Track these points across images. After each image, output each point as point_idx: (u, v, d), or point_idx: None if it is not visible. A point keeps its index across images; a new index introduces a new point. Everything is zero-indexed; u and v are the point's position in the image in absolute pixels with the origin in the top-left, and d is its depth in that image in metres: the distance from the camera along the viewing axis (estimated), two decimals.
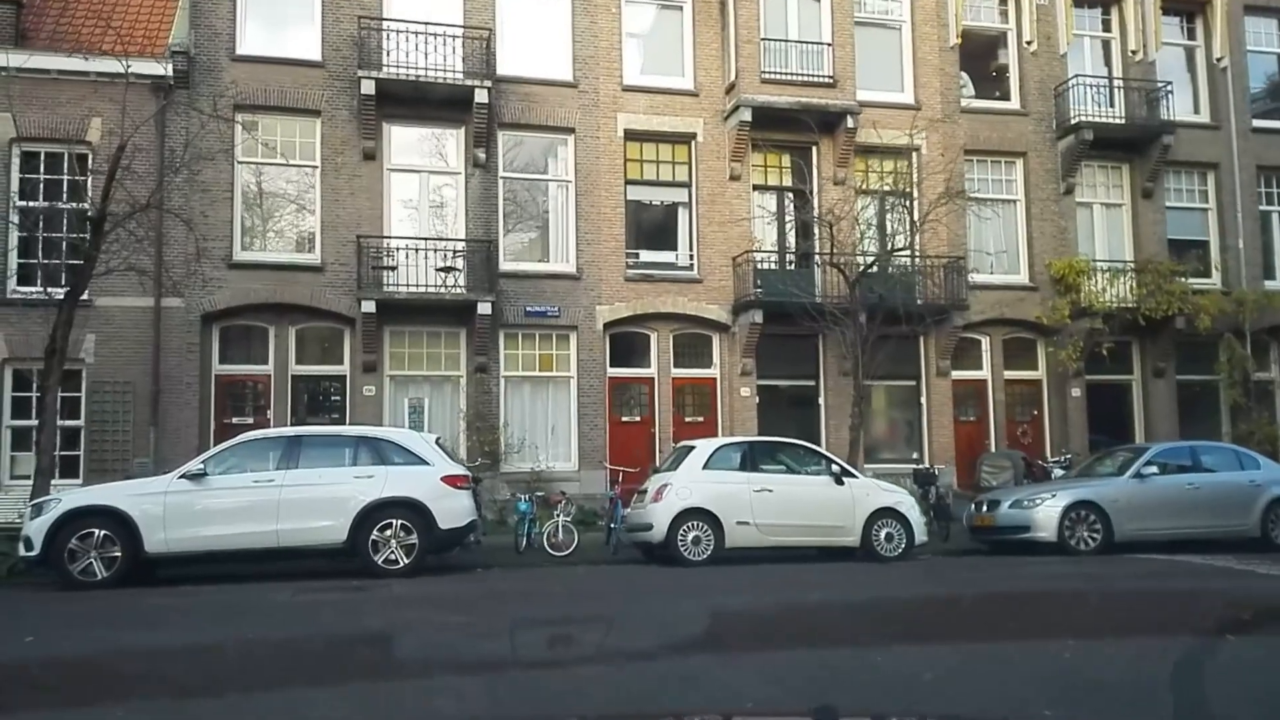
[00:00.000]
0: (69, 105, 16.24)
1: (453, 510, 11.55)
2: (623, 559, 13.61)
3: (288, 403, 17.21)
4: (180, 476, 11.06)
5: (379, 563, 11.24)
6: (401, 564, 11.29)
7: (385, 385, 17.57)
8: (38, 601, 10.35)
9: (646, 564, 12.95)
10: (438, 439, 12.57)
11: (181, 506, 10.88)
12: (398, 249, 17.47)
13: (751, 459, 12.86)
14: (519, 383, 18.32)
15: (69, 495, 11.04)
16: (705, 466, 12.54)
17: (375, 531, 11.27)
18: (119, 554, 10.70)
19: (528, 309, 18.14)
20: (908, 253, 17.96)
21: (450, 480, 11.66)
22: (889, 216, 18.67)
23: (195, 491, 10.98)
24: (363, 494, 11.30)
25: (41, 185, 16.43)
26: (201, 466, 11.06)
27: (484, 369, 17.77)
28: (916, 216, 17.67)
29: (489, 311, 17.30)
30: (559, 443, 18.26)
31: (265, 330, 17.38)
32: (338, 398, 17.64)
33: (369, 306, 16.78)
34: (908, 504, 13.00)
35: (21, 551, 10.82)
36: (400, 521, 11.33)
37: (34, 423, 15.79)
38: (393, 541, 11.31)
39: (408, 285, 17.17)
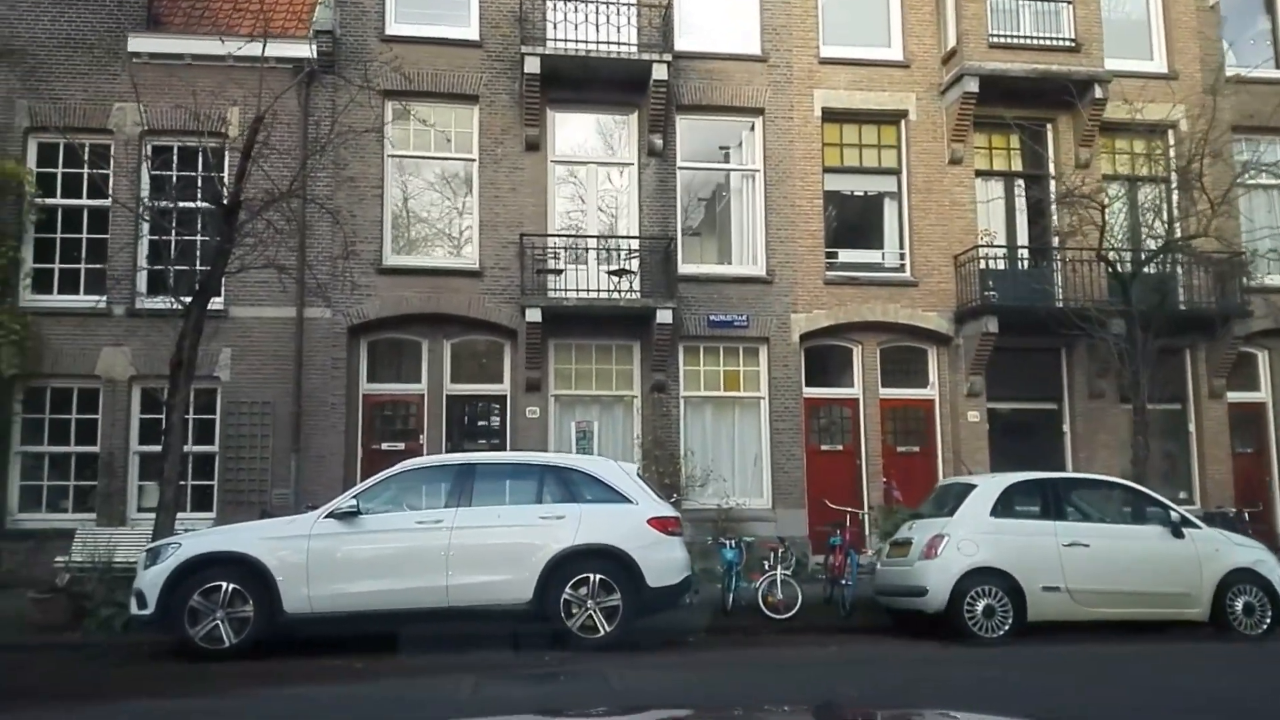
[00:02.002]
0: (204, 95, 14.50)
1: (664, 563, 8.93)
2: (862, 627, 10.69)
3: (442, 426, 15.00)
4: (327, 516, 8.76)
5: (573, 629, 8.68)
6: (602, 632, 8.71)
7: (550, 406, 15.15)
8: (143, 679, 8.12)
9: (907, 638, 9.96)
10: (638, 470, 9.93)
11: (328, 554, 8.58)
12: (564, 250, 15.12)
13: (1055, 503, 9.77)
14: (700, 404, 15.66)
15: (190, 539, 8.88)
16: (994, 513, 9.52)
17: (568, 589, 8.71)
18: (251, 614, 8.46)
19: (711, 318, 15.49)
20: (1192, 244, 14.49)
21: (660, 524, 9.05)
22: (1164, 203, 15.24)
23: (345, 535, 8.67)
24: (552, 540, 8.80)
25: (174, 182, 14.76)
26: (353, 503, 8.73)
27: (662, 388, 15.17)
28: (1200, 201, 14.19)
29: (669, 320, 14.71)
30: (746, 475, 15.46)
31: (418, 344, 15.24)
32: (497, 420, 15.33)
33: (534, 315, 14.43)
34: (1270, 564, 9.67)
35: (134, 609, 8.69)
36: (599, 577, 8.75)
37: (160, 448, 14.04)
38: (589, 602, 8.71)
39: (576, 291, 14.76)
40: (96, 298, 14.21)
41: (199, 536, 9.02)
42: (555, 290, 14.95)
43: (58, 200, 14.43)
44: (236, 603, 8.45)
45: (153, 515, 13.96)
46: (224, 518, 13.70)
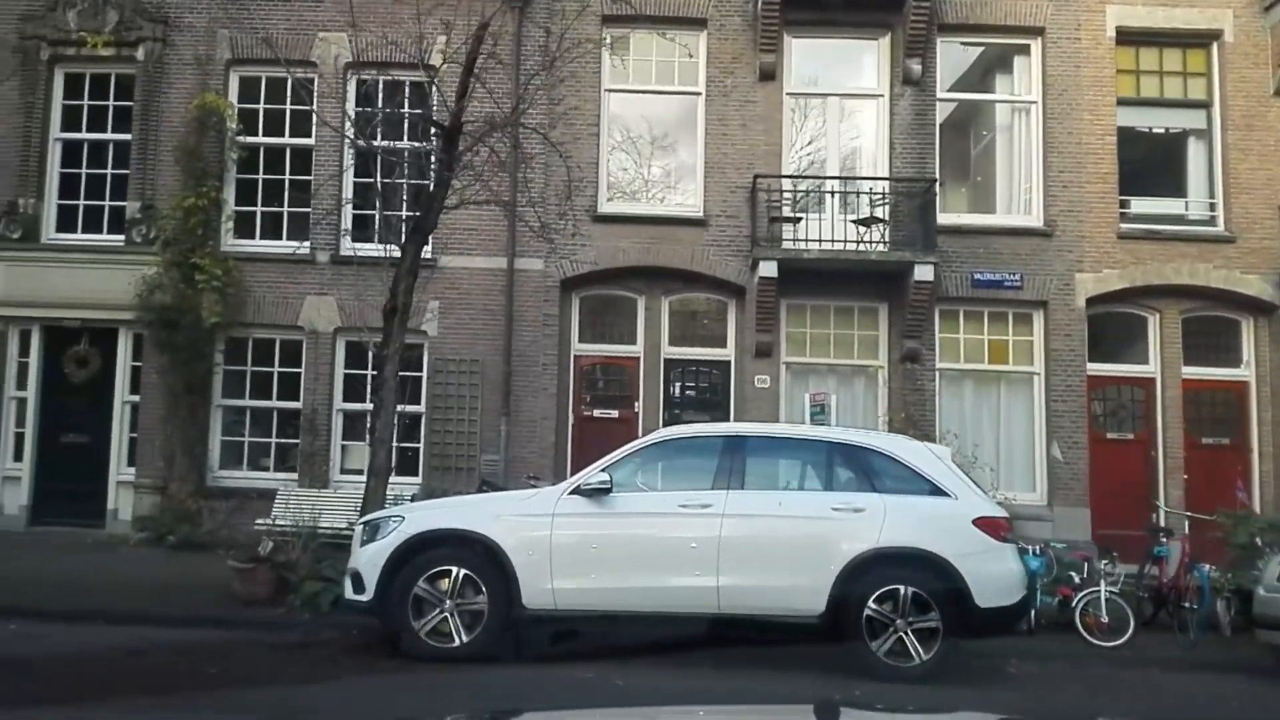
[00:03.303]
0: (411, 22, 13.22)
1: (997, 577, 6.92)
2: (1220, 664, 8.33)
3: (659, 393, 13.34)
4: (572, 492, 7.13)
5: (879, 654, 6.76)
6: (916, 660, 6.79)
7: (781, 375, 13.23)
8: (349, 682, 6.72)
9: None
10: (952, 455, 7.87)
11: (577, 539, 7.00)
12: (802, 195, 13.12)
13: None
14: (957, 379, 13.38)
15: (415, 513, 7.43)
16: None
17: (872, 603, 6.80)
18: (485, 607, 6.94)
19: (975, 277, 13.15)
20: None
21: (989, 526, 7.03)
22: None
23: (596, 517, 7.04)
24: (849, 539, 6.92)
25: (379, 118, 13.60)
26: (605, 478, 7.07)
27: (914, 357, 12.99)
28: None
29: (929, 278, 12.50)
30: (1014, 465, 13.11)
31: (633, 301, 13.61)
32: (719, 390, 13.55)
33: (768, 269, 12.51)
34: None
35: (349, 593, 7.34)
36: (911, 590, 6.80)
37: (370, 407, 12.97)
38: (899, 621, 6.78)
39: (819, 242, 12.73)
40: (300, 243, 13.22)
41: (424, 510, 7.59)
42: (791, 241, 12.98)
43: (259, 138, 13.51)
44: (468, 592, 6.98)
45: (356, 478, 13.05)
46: (430, 485, 12.52)
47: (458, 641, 6.89)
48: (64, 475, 13.00)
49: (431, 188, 9.59)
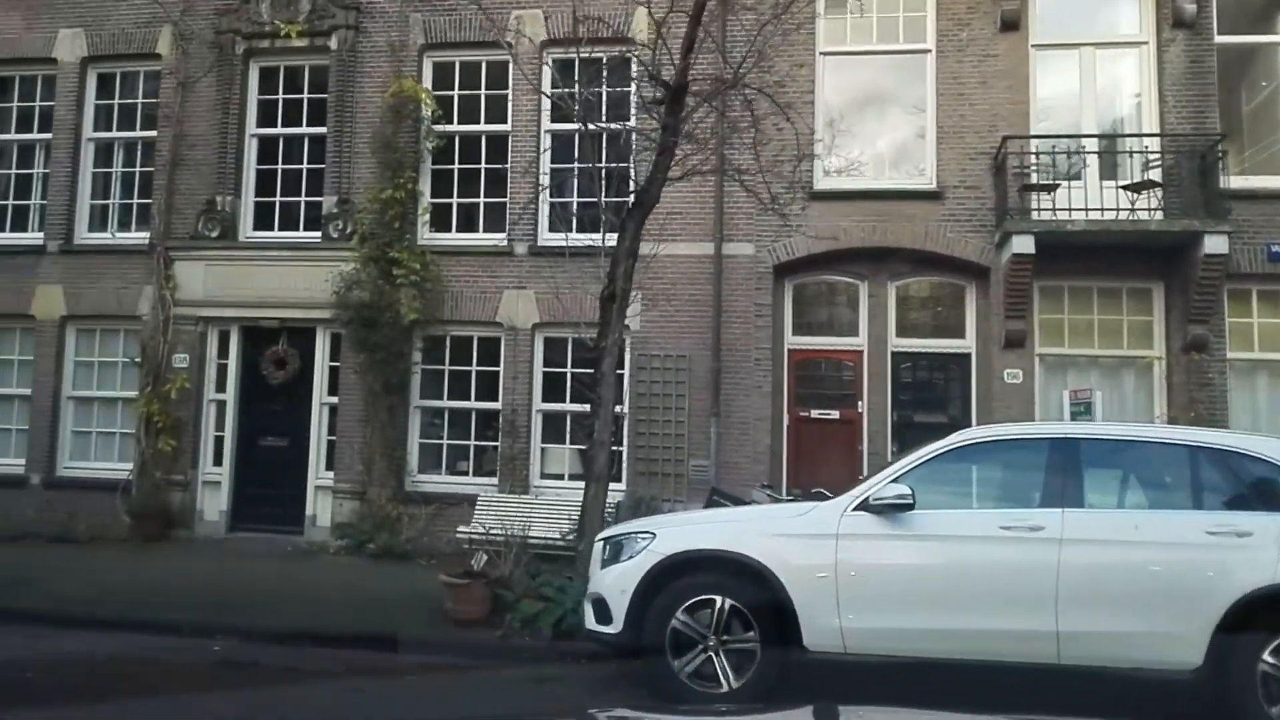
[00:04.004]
0: None
1: None
2: None
3: (886, 390, 11.86)
4: (857, 508, 5.80)
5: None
6: None
7: (1035, 369, 11.49)
8: None
9: None
10: None
11: (870, 567, 5.67)
12: (1057, 159, 11.34)
13: None
14: (1249, 371, 11.30)
15: (667, 529, 6.23)
16: None
17: (1267, 655, 5.17)
18: (756, 647, 5.70)
19: (1273, 248, 11.04)
20: None
21: None
22: None
23: (891, 539, 5.70)
24: (1235, 571, 5.35)
25: (578, 100, 12.67)
26: (904, 491, 5.69)
27: (1201, 346, 11.01)
28: None
29: (1221, 250, 10.52)
30: None
31: (855, 287, 12.18)
32: (956, 386, 11.94)
33: (1022, 245, 10.81)
34: None
35: (590, 622, 6.25)
36: None
37: (570, 407, 12.07)
38: None
39: (1085, 211, 10.93)
40: (498, 235, 12.47)
41: (677, 526, 6.40)
42: (1042, 212, 11.22)
43: (453, 126, 12.82)
44: (735, 627, 5.76)
45: (557, 483, 12.18)
46: (636, 492, 11.48)
47: (726, 686, 5.68)
48: (263, 480, 12.67)
49: (655, 156, 8.43)
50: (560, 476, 12.22)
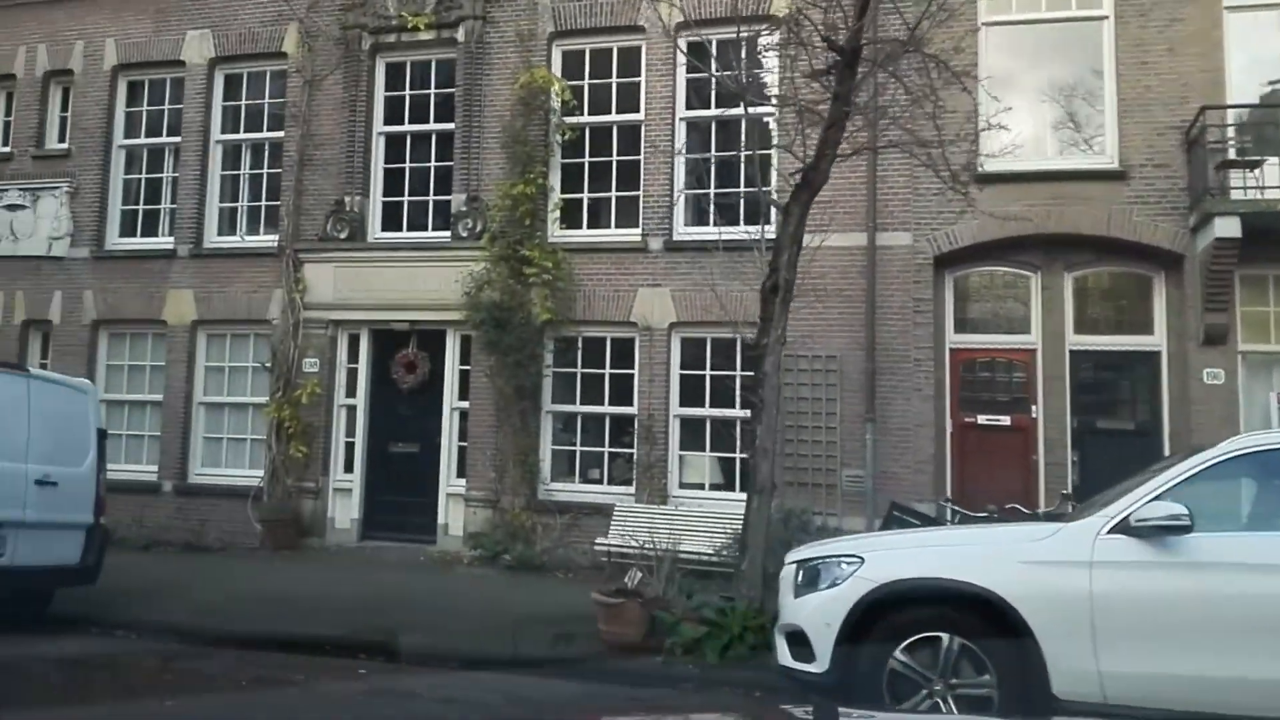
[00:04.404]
0: None
1: None
2: None
3: (1065, 393, 10.74)
4: (1115, 529, 4.85)
5: None
6: None
7: (1237, 368, 10.22)
8: None
9: None
10: None
11: (1136, 601, 4.72)
12: (1266, 128, 10.07)
13: None
14: None
15: (876, 553, 5.33)
16: None
17: None
18: (992, 692, 4.81)
19: None
20: None
21: None
22: None
23: (1164, 568, 4.74)
24: None
25: (713, 87, 11.95)
26: (1179, 511, 4.70)
27: None
28: None
29: None
30: None
31: (1025, 280, 11.10)
32: (1144, 388, 10.73)
33: (1227, 228, 9.58)
34: None
35: (785, 657, 5.44)
36: None
37: (710, 412, 11.29)
38: None
39: None
40: (631, 230, 11.83)
41: (887, 550, 5.52)
42: (1246, 191, 9.96)
43: (584, 118, 12.20)
44: (965, 669, 4.88)
45: (697, 493, 11.42)
46: (786, 505, 10.61)
47: None
48: (393, 487, 12.27)
49: (824, 130, 7.59)
50: (700, 486, 11.46)
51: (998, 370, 11.18)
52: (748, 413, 10.83)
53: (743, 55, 10.79)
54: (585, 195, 12.24)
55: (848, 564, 5.23)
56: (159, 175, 13.64)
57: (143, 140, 13.73)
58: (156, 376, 13.10)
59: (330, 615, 8.12)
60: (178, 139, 13.38)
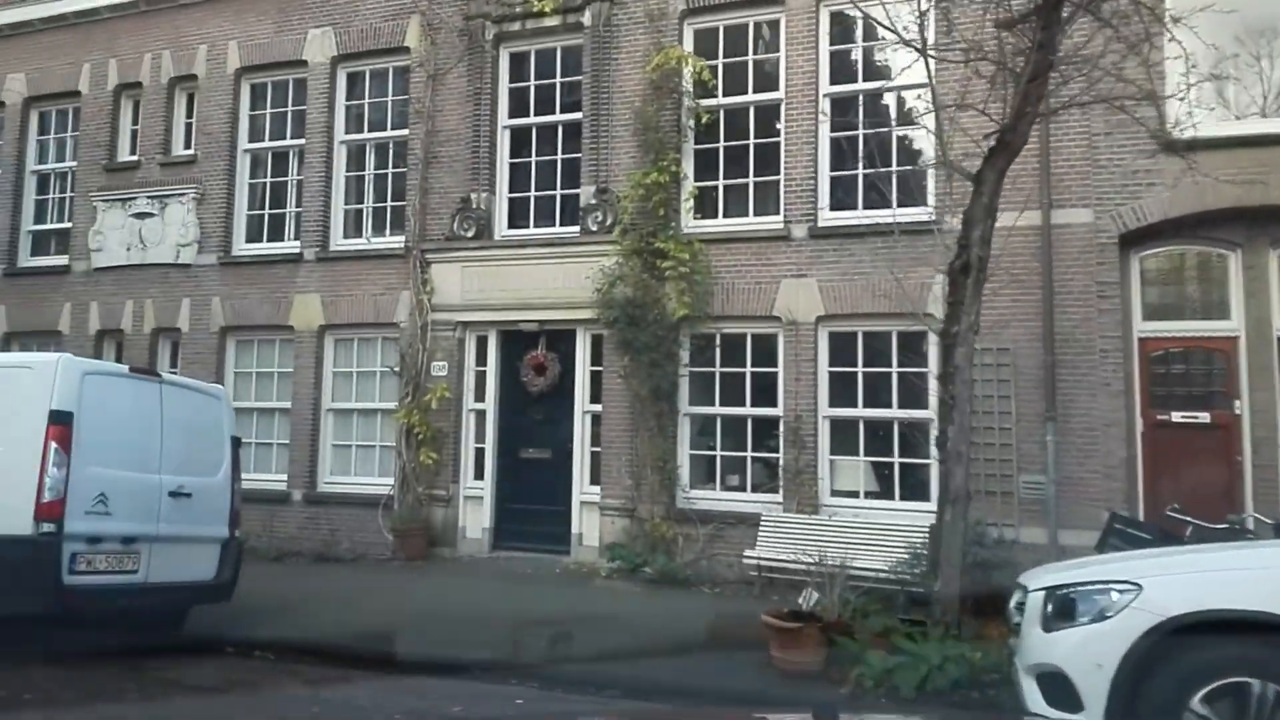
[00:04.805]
0: None
1: None
2: None
3: (1274, 387, 9.44)
4: None
5: None
6: None
7: None
8: None
9: None
10: None
11: None
12: None
13: None
14: None
15: (1155, 577, 4.39)
16: None
17: None
18: None
19: None
20: None
21: None
22: None
23: None
24: None
25: (859, 60, 11.06)
26: None
27: None
28: None
29: None
30: None
31: (1224, 259, 9.84)
32: None
33: None
34: None
35: (1037, 703, 4.53)
36: None
37: (864, 413, 10.36)
38: None
39: None
40: (772, 218, 11.02)
41: (1168, 575, 4.54)
42: None
43: (719, 99, 11.44)
44: None
45: (850, 502, 10.50)
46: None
47: None
48: (525, 495, 11.70)
49: (1024, 84, 6.62)
50: (854, 494, 10.54)
51: (1193, 361, 9.96)
52: (913, 413, 10.06)
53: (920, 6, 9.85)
54: (720, 182, 11.46)
55: (1120, 592, 4.30)
56: (283, 179, 13.43)
57: (266, 144, 13.54)
58: (284, 383, 12.86)
59: (479, 634, 7.54)
60: (301, 141, 13.13)
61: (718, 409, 11.15)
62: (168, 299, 13.39)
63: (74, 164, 14.46)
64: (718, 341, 11.14)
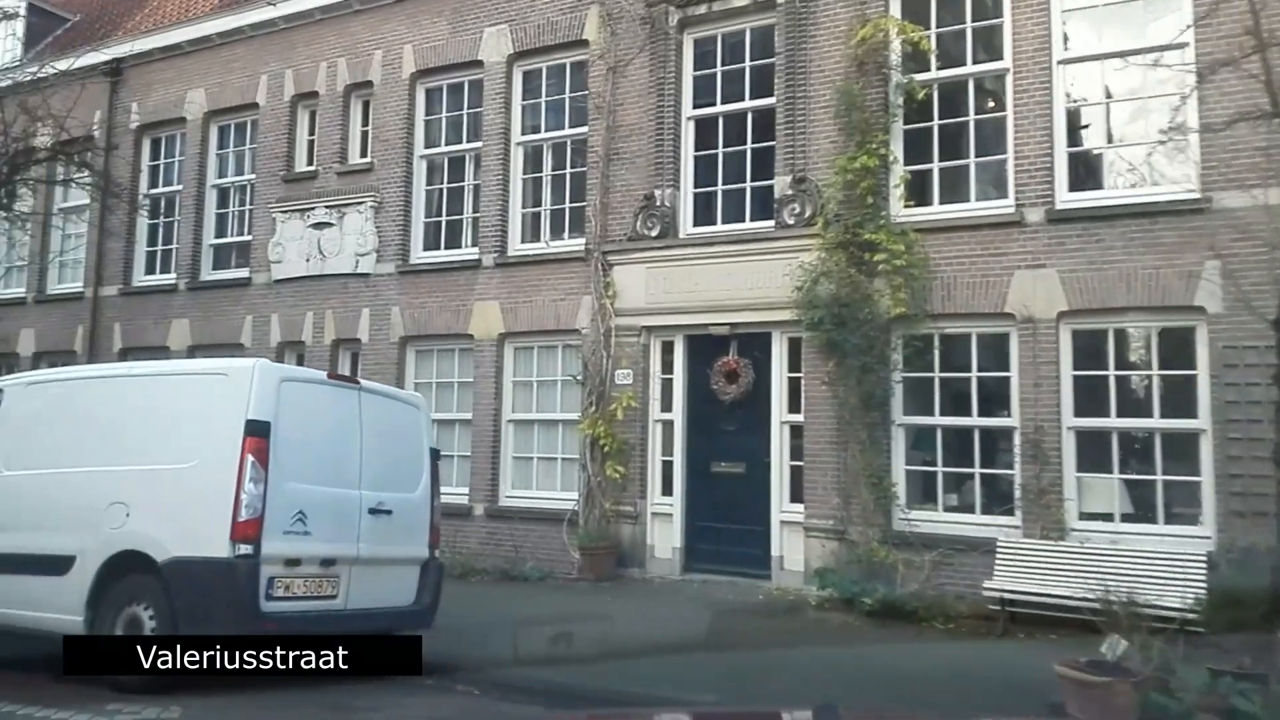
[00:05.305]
0: None
1: None
2: None
3: None
4: None
5: None
6: None
7: None
8: None
9: None
10: None
11: None
12: None
13: None
14: None
15: None
16: None
17: None
18: None
19: None
20: None
21: None
22: None
23: None
24: None
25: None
26: None
27: None
28: None
29: None
30: None
31: None
32: None
33: None
34: None
35: None
36: None
37: (1117, 423, 8.96)
38: None
39: None
40: (1000, 202, 9.79)
41: None
42: None
43: (931, 73, 10.28)
44: None
45: (1103, 525, 9.10)
46: (1232, 538, 8.18)
47: None
48: (717, 513, 10.79)
49: None
50: (1107, 517, 9.12)
51: None
52: (1180, 423, 8.63)
53: None
54: (935, 165, 10.28)
55: None
56: (460, 184, 13.01)
57: (442, 149, 13.16)
58: (463, 393, 12.39)
59: (693, 673, 6.63)
60: (478, 144, 12.68)
61: (938, 419, 9.95)
62: (347, 309, 13.17)
63: (253, 176, 14.50)
64: (937, 343, 9.95)
